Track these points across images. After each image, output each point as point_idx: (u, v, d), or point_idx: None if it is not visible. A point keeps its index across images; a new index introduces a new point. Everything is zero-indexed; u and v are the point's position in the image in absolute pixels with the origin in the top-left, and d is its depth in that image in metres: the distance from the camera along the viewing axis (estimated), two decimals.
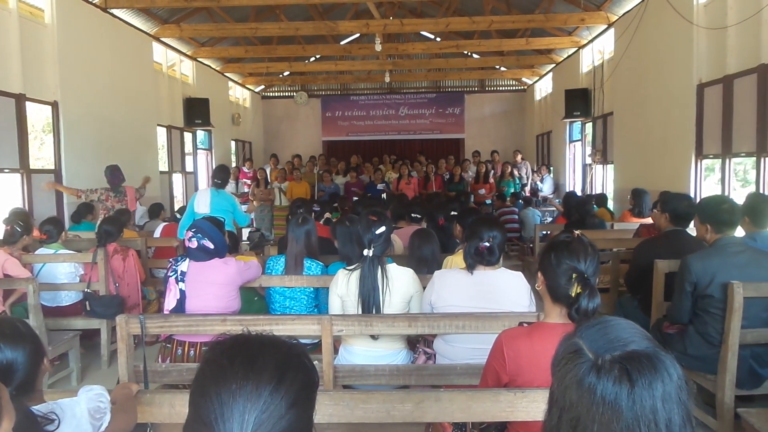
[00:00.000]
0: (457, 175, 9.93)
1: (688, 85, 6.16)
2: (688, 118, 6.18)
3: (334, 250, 3.79)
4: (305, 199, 4.71)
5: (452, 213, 4.42)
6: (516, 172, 10.40)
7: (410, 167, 10.91)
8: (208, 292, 2.84)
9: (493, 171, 10.75)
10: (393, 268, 2.61)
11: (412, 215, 4.63)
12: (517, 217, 8.57)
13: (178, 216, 5.98)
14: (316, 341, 3.15)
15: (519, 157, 11.19)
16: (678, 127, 6.43)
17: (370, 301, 2.52)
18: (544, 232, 6.47)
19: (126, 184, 5.90)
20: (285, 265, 3.33)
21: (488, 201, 9.74)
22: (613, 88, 8.72)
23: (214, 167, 7.63)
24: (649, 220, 5.14)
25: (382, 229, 2.55)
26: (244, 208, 10.46)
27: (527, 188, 10.76)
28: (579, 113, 9.84)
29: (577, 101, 9.81)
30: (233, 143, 13.14)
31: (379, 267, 2.54)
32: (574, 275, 1.58)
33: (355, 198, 8.50)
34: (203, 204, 5.26)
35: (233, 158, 13.02)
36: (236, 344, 0.85)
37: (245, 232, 7.86)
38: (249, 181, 10.91)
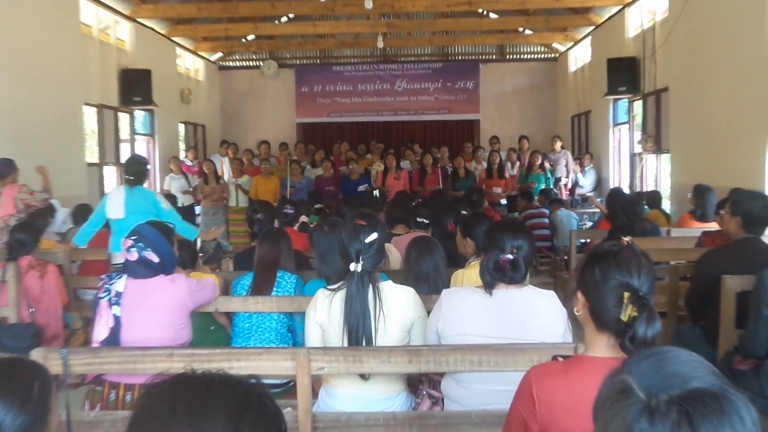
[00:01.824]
0: (461, 168, 9.95)
1: (762, 55, 6.22)
2: (762, 96, 6.23)
3: (309, 264, 3.79)
4: (264, 202, 4.72)
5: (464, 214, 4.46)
6: (548, 164, 10.45)
7: (401, 157, 10.98)
8: (151, 319, 2.85)
9: (519, 162, 10.81)
10: (388, 287, 2.62)
11: (418, 219, 4.68)
12: (547, 221, 8.63)
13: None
14: (288, 382, 3.13)
15: (558, 145, 11.21)
16: (750, 108, 6.48)
17: (358, 330, 2.52)
18: (583, 240, 6.49)
19: (21, 183, 5.83)
20: (252, 281, 3.34)
21: (502, 202, 9.80)
22: (667, 58, 8.80)
23: (128, 158, 7.65)
24: (714, 226, 5.19)
25: (374, 236, 2.57)
26: (198, 211, 10.70)
27: (567, 185, 10.86)
28: (625, 89, 9.93)
29: (623, 73, 9.89)
30: (182, 127, 13.15)
31: (371, 286, 2.56)
32: (626, 294, 1.59)
33: (340, 196, 8.55)
34: (116, 207, 5.26)
35: (182, 145, 13.02)
36: (179, 385, 0.85)
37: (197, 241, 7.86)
38: (196, 178, 10.96)
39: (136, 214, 4.97)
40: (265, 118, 15.14)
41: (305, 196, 8.43)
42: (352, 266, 2.54)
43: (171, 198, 7.92)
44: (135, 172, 5.40)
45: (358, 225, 2.58)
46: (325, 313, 2.59)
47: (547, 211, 8.78)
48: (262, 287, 3.43)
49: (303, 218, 5.55)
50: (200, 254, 7.59)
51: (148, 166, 5.72)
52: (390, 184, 9.64)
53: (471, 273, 3.07)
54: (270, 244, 3.47)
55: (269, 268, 3.41)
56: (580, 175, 11.02)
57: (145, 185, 5.54)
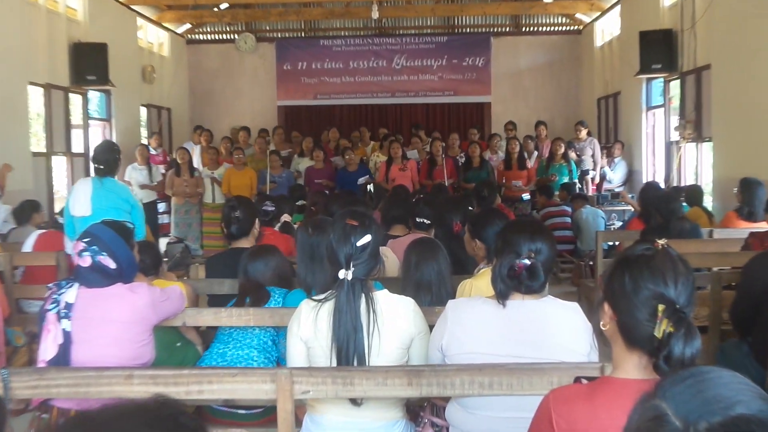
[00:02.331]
0: (476, 157, 10.00)
1: None
2: None
3: (293, 271, 3.80)
4: (243, 199, 4.72)
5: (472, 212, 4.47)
6: (573, 154, 10.48)
7: (406, 146, 11.00)
8: (107, 335, 2.85)
9: (537, 152, 10.83)
10: (384, 297, 2.64)
11: (417, 219, 4.70)
12: (569, 220, 8.65)
13: (60, 220, 5.93)
14: (267, 408, 3.13)
15: (583, 132, 11.25)
16: None
17: (349, 347, 2.53)
18: (611, 243, 6.50)
19: None
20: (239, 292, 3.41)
21: (525, 197, 9.82)
22: (709, 30, 8.80)
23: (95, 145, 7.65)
24: (764, 226, 5.24)
25: (367, 238, 2.59)
26: (162, 209, 10.70)
27: (595, 178, 10.90)
28: (660, 66, 9.96)
29: (657, 49, 9.92)
30: (144, 110, 13.16)
31: (363, 296, 2.58)
32: (660, 306, 1.60)
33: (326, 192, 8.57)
34: (81, 202, 5.24)
35: (144, 132, 13.02)
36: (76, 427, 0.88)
37: (161, 244, 7.86)
38: (162, 167, 10.94)
39: (105, 212, 4.95)
40: (241, 101, 15.17)
41: (286, 191, 8.43)
42: (342, 273, 2.56)
43: None
44: (106, 161, 5.38)
45: (348, 225, 2.59)
46: (310, 327, 2.60)
47: (569, 209, 8.80)
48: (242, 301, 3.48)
49: (285, 217, 5.56)
50: (165, 259, 7.61)
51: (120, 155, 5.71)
52: (394, 177, 9.66)
53: (480, 283, 3.08)
54: (255, 268, 3.51)
55: (257, 291, 3.44)
56: (607, 168, 11.05)
57: (117, 177, 5.55)
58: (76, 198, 5.27)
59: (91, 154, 5.64)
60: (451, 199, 5.43)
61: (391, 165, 9.92)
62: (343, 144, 11.21)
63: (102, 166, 5.35)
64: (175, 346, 3.65)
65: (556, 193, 9.39)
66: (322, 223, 3.27)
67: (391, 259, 4.16)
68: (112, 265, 2.89)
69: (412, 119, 14.73)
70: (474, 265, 4.02)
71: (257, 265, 3.60)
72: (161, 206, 10.68)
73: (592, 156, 11.03)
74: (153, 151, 11.40)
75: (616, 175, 11.03)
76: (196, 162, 10.92)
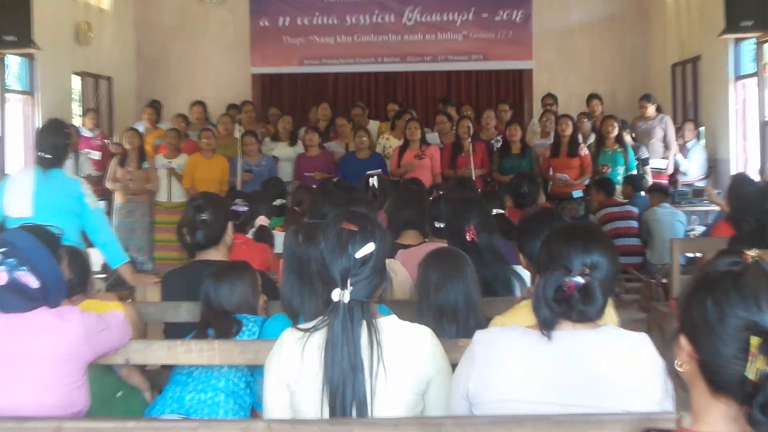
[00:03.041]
0: (516, 141, 10.02)
1: None
2: None
3: (275, 292, 3.82)
4: (211, 196, 4.71)
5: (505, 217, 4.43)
6: (628, 137, 10.47)
7: (425, 127, 11.00)
8: (28, 375, 2.85)
9: (595, 133, 10.78)
10: (392, 325, 2.65)
11: (436, 224, 4.75)
12: (637, 224, 8.63)
13: None
14: None
15: (650, 109, 11.24)
16: None
17: (345, 392, 2.53)
18: (690, 255, 6.46)
19: None
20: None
21: (577, 193, 9.79)
22: None
23: (40, 126, 7.58)
24: None
25: (369, 248, 2.60)
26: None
27: (668, 168, 10.86)
28: (752, 23, 9.91)
29: (748, 1, 9.87)
30: (77, 80, 13.17)
31: (364, 324, 2.58)
32: (753, 339, 1.58)
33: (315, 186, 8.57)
34: (20, 200, 5.26)
35: (77, 109, 13.07)
36: None
37: (94, 256, 7.85)
38: (96, 154, 10.97)
39: (50, 213, 4.97)
40: (205, 68, 15.16)
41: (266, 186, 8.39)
42: (336, 294, 2.56)
43: None
44: (53, 147, 5.38)
45: (345, 231, 2.61)
46: (294, 365, 2.60)
47: (636, 210, 8.77)
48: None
49: (261, 220, 5.57)
50: (102, 275, 7.59)
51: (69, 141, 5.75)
52: (407, 162, 9.72)
53: (519, 315, 3.04)
54: (217, 297, 3.54)
55: (223, 321, 3.44)
56: (680, 155, 11.02)
57: (67, 170, 5.62)
58: (13, 194, 5.30)
59: (30, 138, 5.69)
60: (464, 198, 5.40)
61: (405, 151, 9.92)
62: (339, 123, 11.25)
63: (48, 155, 5.35)
64: (115, 397, 3.64)
65: (618, 188, 9.36)
66: (316, 230, 3.20)
67: (402, 275, 4.18)
68: (34, 283, 2.88)
69: (428, 92, 14.78)
70: (507, 287, 4.02)
71: (222, 290, 3.61)
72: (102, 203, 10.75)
73: (664, 139, 10.99)
74: (87, 133, 11.42)
75: (691, 166, 11.02)
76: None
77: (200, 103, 11.84)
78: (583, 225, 3.02)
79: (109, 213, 10.42)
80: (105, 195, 10.44)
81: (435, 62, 15.06)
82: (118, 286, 5.81)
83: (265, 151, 10.63)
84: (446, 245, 4.14)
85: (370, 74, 15.21)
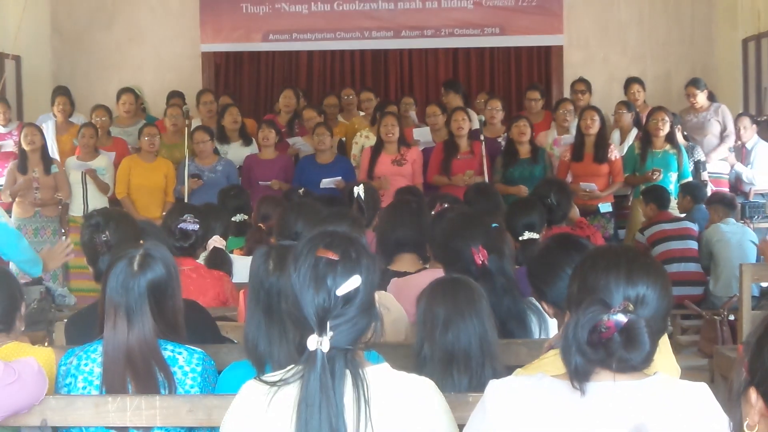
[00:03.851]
0: (524, 141, 10.05)
1: None
2: None
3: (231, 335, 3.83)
4: (112, 212, 4.73)
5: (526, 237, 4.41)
6: (680, 136, 10.48)
7: (413, 118, 11.17)
8: None
9: (637, 129, 10.82)
10: (384, 377, 2.66)
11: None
12: (695, 245, 8.66)
13: None
14: None
15: (701, 97, 11.22)
16: None
17: None
18: (765, 285, 6.45)
19: None
20: (103, 368, 3.38)
21: (605, 207, 9.77)
22: None
23: None
24: None
25: (354, 282, 2.58)
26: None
27: (729, 173, 10.82)
28: None
29: None
30: None
31: (348, 377, 2.58)
32: None
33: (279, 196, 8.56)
34: None
35: None
36: None
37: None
38: (7, 146, 11.00)
39: None
40: (141, 45, 15.09)
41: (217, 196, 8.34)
42: (313, 342, 2.54)
43: None
44: None
45: (322, 261, 2.61)
46: (258, 429, 2.61)
47: (695, 227, 8.77)
48: (124, 378, 3.40)
49: (216, 240, 5.58)
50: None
51: None
52: (383, 174, 9.75)
53: (546, 365, 3.04)
54: (128, 306, 3.46)
55: (136, 347, 3.41)
56: (739, 165, 10.90)
57: None
58: None
59: None
60: (461, 214, 5.37)
61: (379, 154, 10.00)
62: (307, 117, 11.27)
63: None
64: None
65: (674, 198, 9.41)
66: (288, 254, 3.19)
67: (396, 311, 4.20)
68: None
69: (429, 76, 14.77)
70: (522, 327, 4.04)
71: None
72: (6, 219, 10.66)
73: (722, 135, 10.99)
74: (0, 129, 11.41)
75: (755, 172, 10.82)
76: (52, 146, 11.00)
77: (129, 91, 11.80)
78: (626, 249, 2.94)
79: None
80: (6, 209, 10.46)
81: (438, 37, 14.98)
82: (34, 326, 5.79)
83: (230, 153, 10.66)
84: (454, 275, 4.11)
85: (355, 53, 15.11)
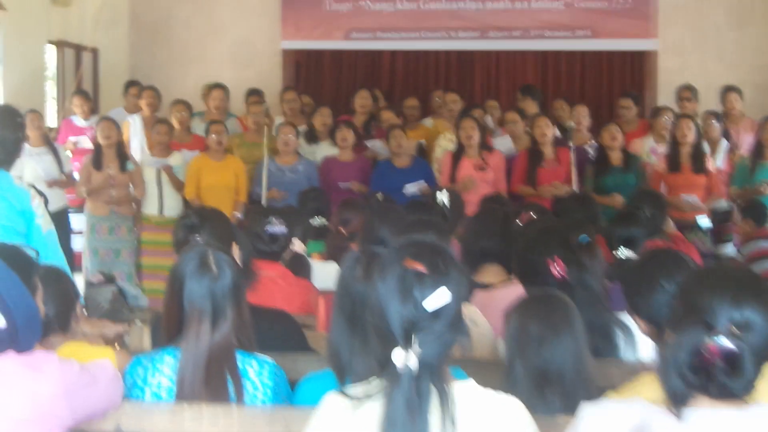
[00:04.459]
0: (615, 147, 9.97)
1: None
2: None
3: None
4: (210, 211, 4.72)
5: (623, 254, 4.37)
6: None
7: (490, 123, 11.11)
8: None
9: (727, 142, 10.69)
10: (469, 394, 2.65)
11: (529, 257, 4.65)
12: None
13: None
14: None
15: None
16: None
17: None
18: None
19: None
20: (178, 377, 3.40)
21: (703, 222, 9.64)
22: None
23: None
24: None
25: (443, 296, 2.58)
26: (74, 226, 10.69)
27: None
28: None
29: None
30: (52, 51, 13.38)
31: (435, 393, 2.56)
32: None
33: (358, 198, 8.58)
34: None
35: (53, 90, 13.23)
36: None
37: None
38: (85, 141, 11.14)
39: None
40: (220, 41, 15.24)
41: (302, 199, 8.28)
42: (399, 356, 2.54)
43: None
44: (1, 140, 5.45)
45: (410, 272, 2.60)
46: None
47: None
48: (202, 387, 3.40)
49: (295, 244, 5.59)
50: (83, 306, 7.70)
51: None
52: (465, 178, 9.71)
53: (641, 391, 3.02)
54: (197, 309, 3.45)
55: (212, 356, 3.41)
56: None
57: (15, 176, 5.62)
58: None
59: None
60: (539, 225, 5.31)
61: (460, 158, 9.96)
62: (385, 118, 11.35)
63: None
64: None
65: None
66: (378, 261, 3.10)
67: (483, 326, 4.18)
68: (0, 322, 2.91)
69: (516, 79, 14.66)
70: (606, 341, 3.99)
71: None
72: (77, 218, 10.76)
73: None
74: (81, 122, 11.63)
75: None
76: (138, 143, 11.12)
77: (220, 87, 11.89)
78: (735, 268, 2.90)
79: (79, 232, 10.48)
80: (76, 207, 10.58)
81: (526, 39, 14.93)
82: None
83: (307, 153, 10.67)
84: (544, 290, 4.08)
85: (439, 53, 15.10)
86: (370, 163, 10.45)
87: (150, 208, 10.14)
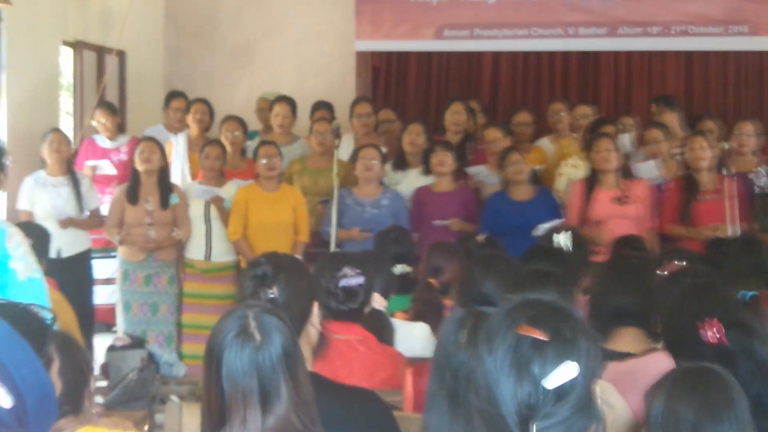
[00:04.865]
0: None
1: None
2: None
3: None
4: (284, 258, 4.71)
5: None
6: None
7: (627, 144, 11.02)
8: None
9: None
10: None
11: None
12: None
13: None
14: None
15: None
16: None
17: None
18: None
19: None
20: None
21: None
22: None
23: None
24: None
25: (570, 370, 2.57)
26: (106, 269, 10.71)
27: None
28: None
29: None
30: (67, 53, 13.58)
31: None
32: None
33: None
34: None
35: (69, 103, 13.43)
36: None
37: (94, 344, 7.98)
38: (106, 166, 11.25)
39: None
40: (278, 41, 15.40)
41: (375, 240, 8.26)
42: None
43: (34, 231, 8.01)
44: None
45: (527, 341, 2.60)
46: None
47: None
48: None
49: (376, 301, 5.61)
50: (99, 377, 7.76)
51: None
52: (602, 216, 9.61)
53: None
54: (240, 386, 3.44)
55: None
56: None
57: None
58: None
59: None
60: (684, 274, 5.26)
61: (593, 188, 9.88)
62: (491, 138, 11.20)
63: None
64: None
65: None
66: (484, 325, 3.05)
67: (620, 409, 4.17)
68: (4, 401, 2.93)
69: (654, 86, 14.64)
70: None
71: None
72: (103, 264, 10.88)
73: None
74: (108, 144, 11.70)
75: None
76: (177, 170, 11.21)
77: (285, 100, 11.92)
78: None
79: (107, 279, 10.54)
80: (106, 248, 10.63)
81: (665, 37, 14.92)
82: (131, 403, 5.89)
83: (392, 182, 10.63)
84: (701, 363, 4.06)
85: (555, 55, 15.11)
86: (474, 195, 10.42)
87: (195, 252, 10.15)
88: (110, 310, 10.49)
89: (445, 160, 10.17)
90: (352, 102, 12.64)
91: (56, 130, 10.76)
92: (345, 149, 10.79)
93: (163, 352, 9.31)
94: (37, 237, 7.38)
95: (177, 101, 12.25)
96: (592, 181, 9.89)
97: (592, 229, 9.30)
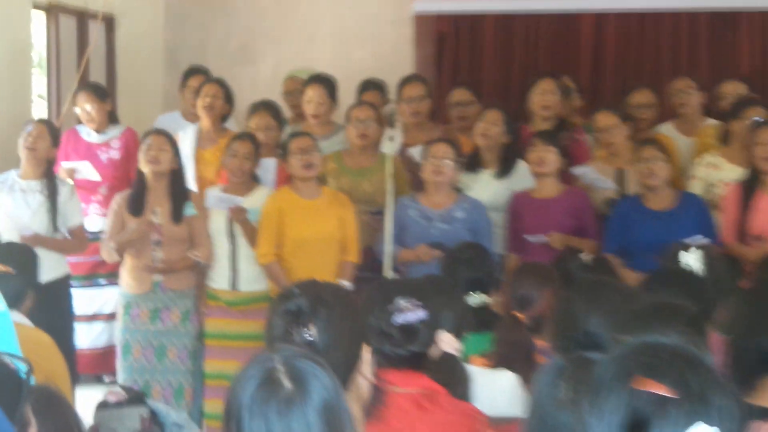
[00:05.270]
0: None
1: None
2: None
3: None
4: (327, 288, 4.65)
5: None
6: None
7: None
8: None
9: None
10: None
11: None
12: None
13: None
14: None
15: None
16: None
17: None
18: None
19: None
20: None
21: None
22: None
23: None
24: None
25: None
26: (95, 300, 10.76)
27: None
28: None
29: None
30: (39, 18, 13.67)
31: None
32: None
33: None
34: None
35: (42, 82, 13.58)
36: None
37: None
38: (88, 169, 11.26)
39: None
40: (314, 5, 15.59)
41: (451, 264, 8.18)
42: None
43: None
44: None
45: (644, 397, 2.63)
46: None
47: None
48: None
49: (445, 339, 5.53)
50: None
51: None
52: (764, 228, 9.46)
53: None
54: None
55: None
56: None
57: None
58: None
59: None
60: None
61: (753, 193, 9.74)
62: (602, 125, 11.14)
63: None
64: None
65: None
66: (589, 376, 3.08)
67: None
68: None
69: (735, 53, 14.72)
70: None
71: None
72: (88, 296, 10.90)
73: None
74: (91, 135, 11.76)
75: None
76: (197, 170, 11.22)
77: (320, 81, 11.80)
78: None
79: (94, 316, 10.52)
80: (107, 273, 10.56)
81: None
82: None
83: (466, 185, 10.44)
84: None
85: (680, 16, 15.03)
86: (588, 200, 10.28)
87: (218, 280, 10.11)
88: (96, 356, 10.50)
89: (546, 157, 10.02)
90: (399, 81, 12.38)
91: (39, 121, 10.80)
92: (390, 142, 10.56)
93: (170, 409, 9.27)
94: (21, 261, 7.42)
95: (196, 79, 12.17)
96: (751, 184, 9.74)
97: (752, 247, 9.12)
